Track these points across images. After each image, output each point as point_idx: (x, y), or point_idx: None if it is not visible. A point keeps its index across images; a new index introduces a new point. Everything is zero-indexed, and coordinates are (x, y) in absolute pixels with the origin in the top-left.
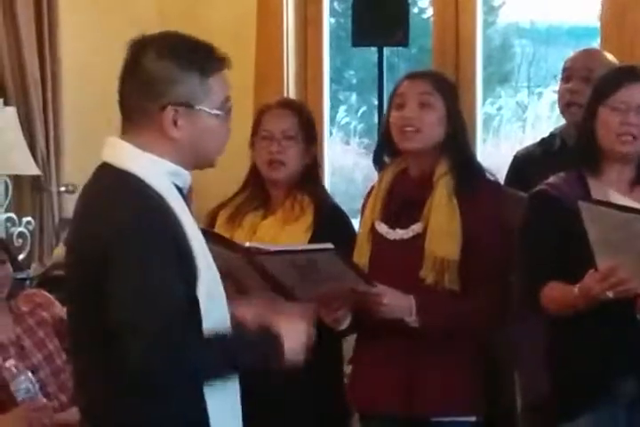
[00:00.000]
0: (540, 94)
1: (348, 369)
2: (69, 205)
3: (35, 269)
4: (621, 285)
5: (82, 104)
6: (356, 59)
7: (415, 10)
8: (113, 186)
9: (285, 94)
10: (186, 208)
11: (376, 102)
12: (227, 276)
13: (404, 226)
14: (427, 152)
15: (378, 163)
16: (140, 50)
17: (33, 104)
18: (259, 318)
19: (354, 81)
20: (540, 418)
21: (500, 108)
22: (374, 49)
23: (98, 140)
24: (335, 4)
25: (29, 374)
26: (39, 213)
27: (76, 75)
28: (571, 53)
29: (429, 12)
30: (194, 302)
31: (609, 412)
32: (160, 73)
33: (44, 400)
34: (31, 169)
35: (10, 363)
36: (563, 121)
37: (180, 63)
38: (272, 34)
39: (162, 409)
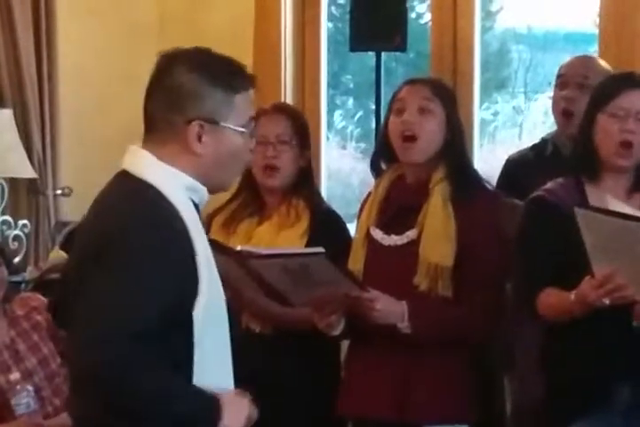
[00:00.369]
0: (536, 100)
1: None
2: (65, 208)
3: (30, 273)
4: (618, 291)
5: (79, 107)
6: (353, 63)
7: (413, 15)
8: (128, 195)
9: (283, 98)
10: (199, 225)
11: (373, 107)
12: (224, 282)
13: (399, 232)
14: (424, 161)
15: (375, 168)
16: (171, 62)
17: (30, 107)
18: None
19: (351, 85)
20: (533, 423)
21: (496, 114)
22: (371, 53)
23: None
24: (332, 8)
25: (31, 389)
26: (35, 216)
27: (74, 77)
28: (566, 60)
29: (427, 17)
30: (178, 323)
31: (604, 419)
32: (188, 86)
33: (41, 419)
34: (27, 172)
35: (14, 376)
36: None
37: (208, 78)
38: (269, 38)
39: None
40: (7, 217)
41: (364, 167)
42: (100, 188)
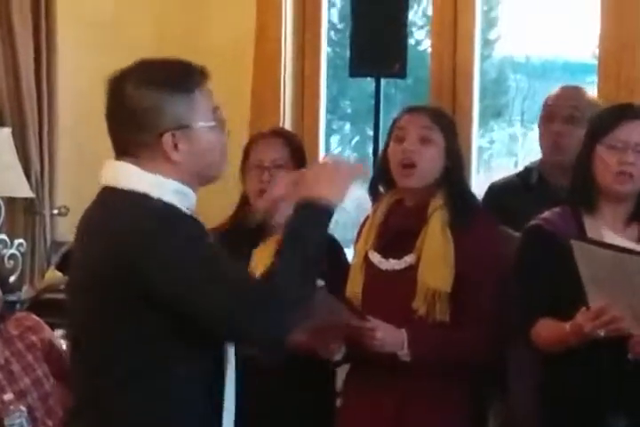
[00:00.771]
0: (532, 129)
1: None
2: (62, 227)
3: (26, 292)
4: (613, 324)
5: (77, 127)
6: (351, 89)
7: (412, 41)
8: (127, 205)
9: (281, 121)
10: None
11: (370, 133)
12: None
13: (398, 256)
14: (424, 187)
15: (373, 193)
16: (119, 84)
17: (28, 126)
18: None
19: (348, 110)
20: None
21: (492, 142)
22: (369, 79)
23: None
24: (332, 33)
25: (25, 409)
26: (31, 236)
27: (73, 97)
28: (552, 91)
29: (426, 44)
30: None
31: None
32: (144, 103)
33: None
34: (24, 191)
35: (8, 397)
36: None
37: (159, 88)
38: (270, 61)
39: None
40: (3, 236)
41: (359, 192)
42: None
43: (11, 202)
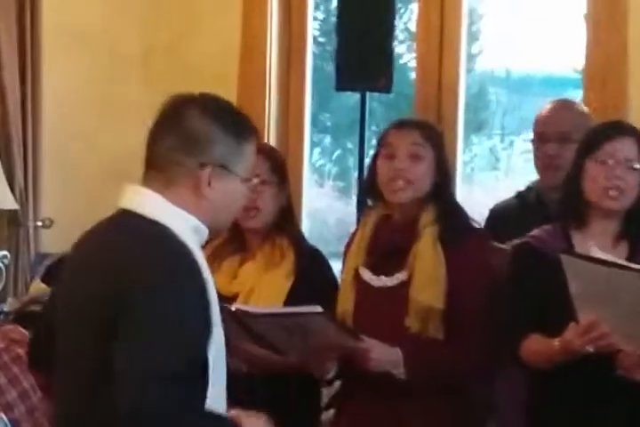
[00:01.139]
0: (512, 143)
1: (325, 416)
2: (46, 239)
3: (10, 304)
4: (602, 339)
5: (61, 139)
6: (333, 102)
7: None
8: (139, 230)
9: (266, 135)
10: (206, 264)
11: (350, 146)
12: None
13: (389, 273)
14: (413, 201)
15: (360, 209)
16: (183, 106)
17: (12, 137)
18: None
19: (328, 124)
20: None
21: (474, 156)
22: (351, 93)
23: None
24: (313, 47)
25: (11, 422)
26: (15, 248)
27: (57, 109)
28: (543, 108)
29: (407, 58)
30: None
31: None
32: (203, 131)
33: None
34: (8, 203)
35: None
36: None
37: (221, 124)
38: (254, 75)
39: None
40: None
41: (340, 206)
42: (81, 220)
43: None
